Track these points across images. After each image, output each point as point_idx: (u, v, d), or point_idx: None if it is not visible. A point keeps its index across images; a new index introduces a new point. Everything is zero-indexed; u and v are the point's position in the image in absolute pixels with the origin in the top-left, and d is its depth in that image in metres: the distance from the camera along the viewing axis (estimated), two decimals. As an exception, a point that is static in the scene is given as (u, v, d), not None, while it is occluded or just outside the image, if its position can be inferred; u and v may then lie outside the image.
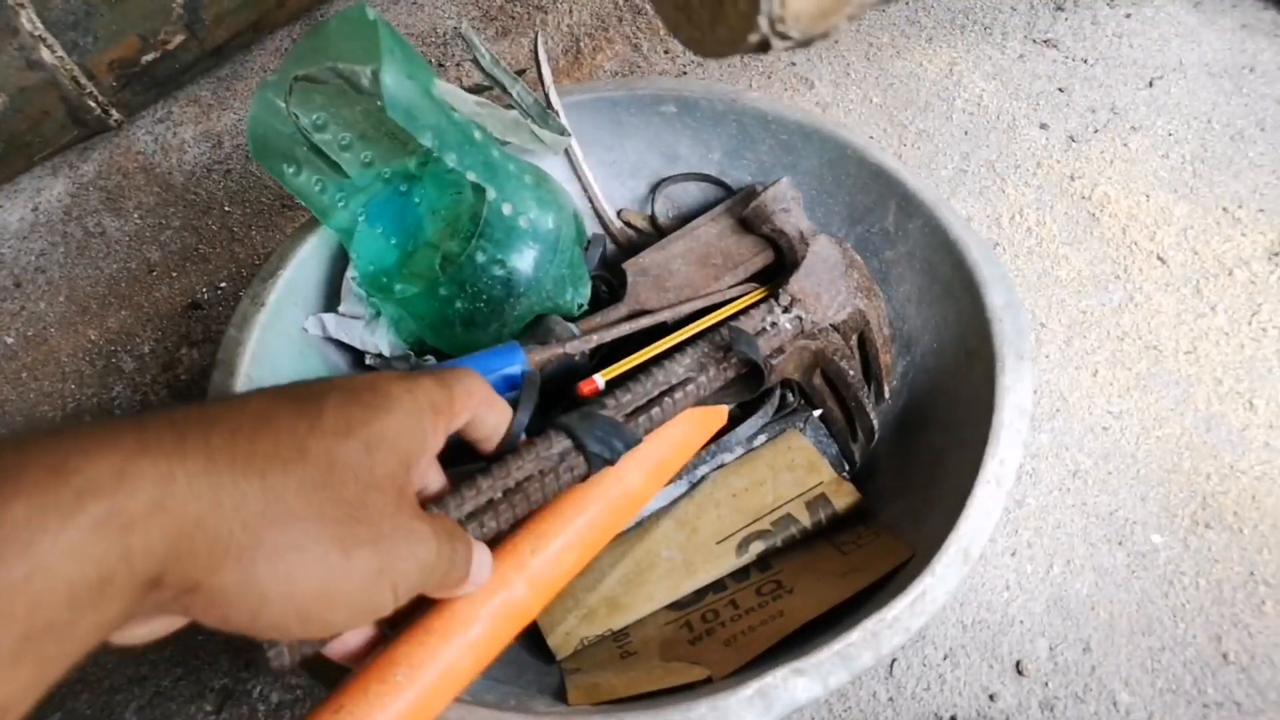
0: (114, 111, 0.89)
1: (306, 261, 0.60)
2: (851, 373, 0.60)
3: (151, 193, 0.90)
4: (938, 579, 0.45)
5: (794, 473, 0.59)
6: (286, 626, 0.30)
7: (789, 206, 0.63)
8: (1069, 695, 0.59)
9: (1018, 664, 0.60)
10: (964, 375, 0.56)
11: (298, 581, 0.29)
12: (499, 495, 0.42)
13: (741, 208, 0.65)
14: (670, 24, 0.35)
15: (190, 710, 0.61)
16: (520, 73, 0.64)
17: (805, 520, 0.57)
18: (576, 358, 0.58)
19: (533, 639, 0.55)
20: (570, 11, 1.01)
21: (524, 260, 0.57)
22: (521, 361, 0.54)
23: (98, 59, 0.85)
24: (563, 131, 0.64)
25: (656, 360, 0.51)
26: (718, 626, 0.53)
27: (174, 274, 0.84)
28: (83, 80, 0.85)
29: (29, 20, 0.82)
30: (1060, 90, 0.90)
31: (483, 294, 0.57)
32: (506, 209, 0.56)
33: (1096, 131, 0.87)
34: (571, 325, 0.59)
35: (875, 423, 0.60)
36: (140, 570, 0.26)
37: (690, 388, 0.50)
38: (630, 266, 0.63)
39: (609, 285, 0.66)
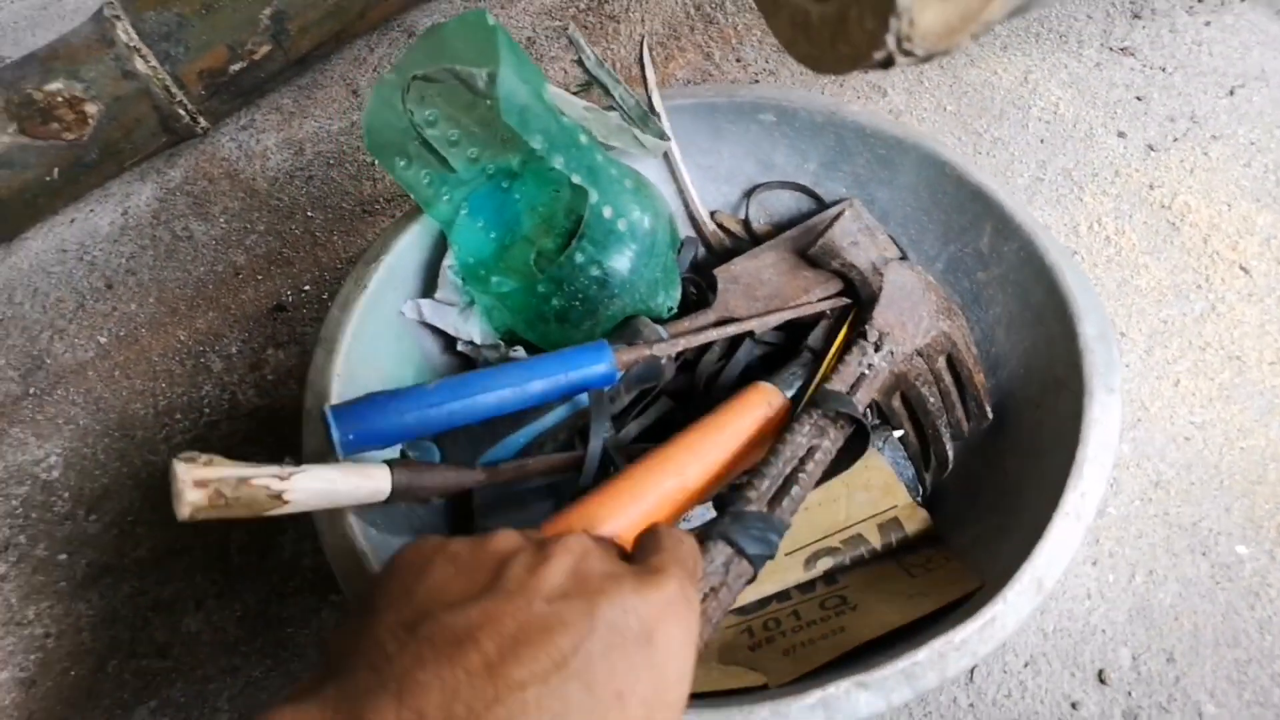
0: (201, 119, 0.92)
1: (407, 249, 0.62)
2: (931, 399, 0.60)
3: (236, 198, 0.92)
4: (1009, 606, 0.45)
5: (869, 493, 0.59)
6: None
7: (857, 239, 0.63)
8: (1153, 705, 0.59)
9: (1100, 673, 0.60)
10: (1050, 405, 0.56)
11: None
12: None
13: (801, 241, 0.65)
14: (785, 40, 0.36)
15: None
16: (619, 77, 0.66)
17: (875, 541, 0.57)
18: (663, 360, 0.59)
19: None
20: (643, 20, 1.03)
21: (620, 262, 0.59)
22: (609, 361, 0.56)
23: (188, 69, 0.87)
24: (662, 135, 0.65)
25: (780, 436, 0.51)
26: (778, 635, 0.53)
27: (259, 277, 0.86)
28: (174, 89, 0.87)
29: (125, 32, 0.85)
30: (1138, 99, 0.89)
31: (579, 293, 0.59)
32: (607, 212, 0.58)
33: (1176, 140, 0.86)
34: (660, 328, 0.60)
35: (950, 453, 0.60)
36: None
37: (819, 455, 0.50)
38: (722, 273, 0.64)
39: (699, 289, 0.66)
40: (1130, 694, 0.59)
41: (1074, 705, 0.59)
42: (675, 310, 0.64)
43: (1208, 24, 0.95)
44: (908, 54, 0.30)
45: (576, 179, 0.57)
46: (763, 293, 0.63)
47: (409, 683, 0.25)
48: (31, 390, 0.81)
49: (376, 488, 0.48)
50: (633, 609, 0.29)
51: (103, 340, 0.84)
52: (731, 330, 0.60)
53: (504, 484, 0.55)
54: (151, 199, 0.93)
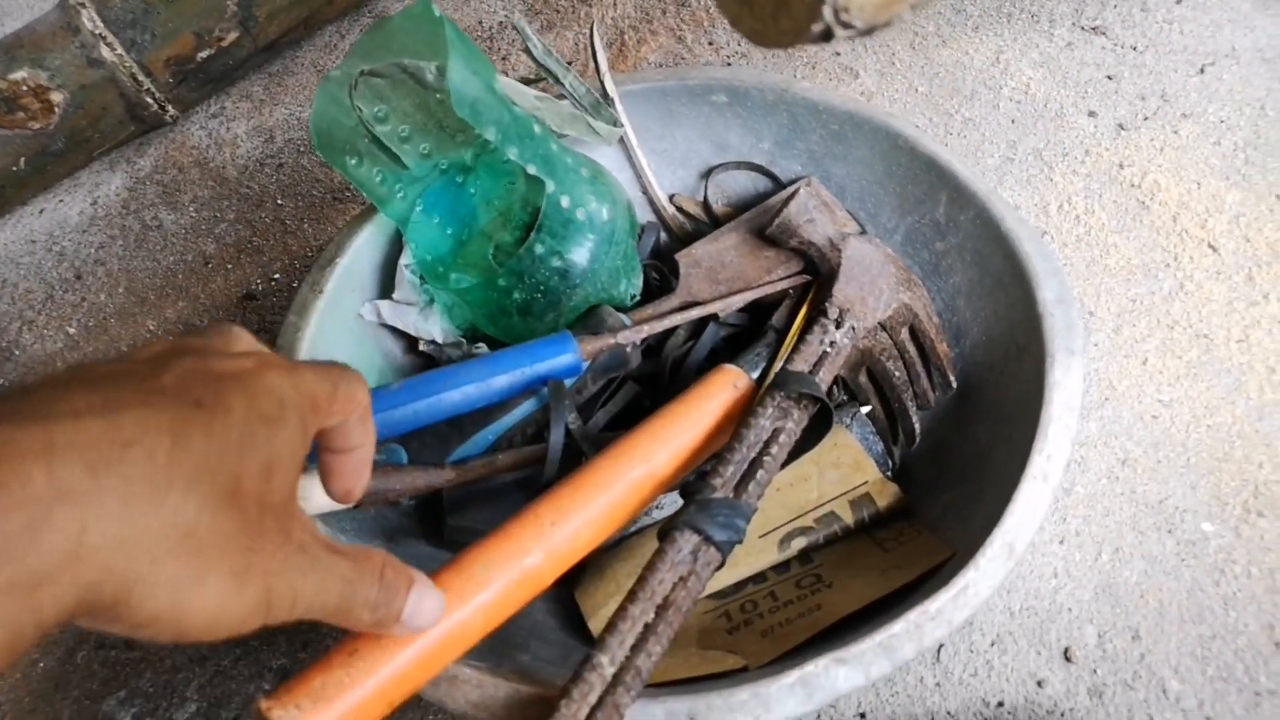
0: (170, 107, 0.91)
1: (363, 250, 0.61)
2: (897, 373, 0.60)
3: (206, 187, 0.92)
4: (981, 573, 0.45)
5: (839, 470, 0.59)
6: (162, 638, 0.30)
7: (814, 216, 0.62)
8: (1118, 682, 0.59)
9: (1066, 651, 0.60)
10: (1013, 370, 0.56)
11: (191, 610, 0.29)
12: (652, 617, 0.43)
13: (758, 222, 0.64)
14: (731, 15, 0.36)
15: (249, 689, 0.63)
16: (568, 64, 0.65)
17: (848, 518, 0.57)
18: (628, 349, 0.59)
19: (576, 622, 0.56)
20: (615, 4, 1.02)
21: (580, 252, 0.59)
22: (574, 351, 0.55)
23: (155, 56, 0.87)
24: (615, 122, 0.65)
25: (743, 421, 0.51)
26: (755, 618, 0.54)
27: (229, 266, 0.86)
28: (140, 77, 0.87)
29: (90, 19, 0.84)
30: (1109, 78, 0.89)
31: (540, 285, 0.58)
32: (565, 202, 0.57)
33: (1146, 119, 0.86)
34: (624, 316, 0.59)
35: (917, 426, 0.60)
36: (49, 618, 0.26)
37: (783, 438, 0.50)
38: (683, 258, 0.64)
39: (661, 275, 0.66)
40: (1095, 671, 0.59)
41: (1040, 683, 0.59)
42: (638, 298, 0.64)
43: (1179, 2, 0.95)
44: (846, 25, 0.30)
45: (532, 170, 0.56)
46: (725, 275, 0.62)
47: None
48: (1, 381, 0.80)
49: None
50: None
51: (71, 331, 0.83)
52: (695, 314, 0.60)
53: (474, 481, 0.55)
54: (121, 188, 0.93)
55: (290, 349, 0.56)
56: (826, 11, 0.29)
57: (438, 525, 0.60)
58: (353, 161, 0.58)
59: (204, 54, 0.89)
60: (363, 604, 0.34)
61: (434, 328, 0.62)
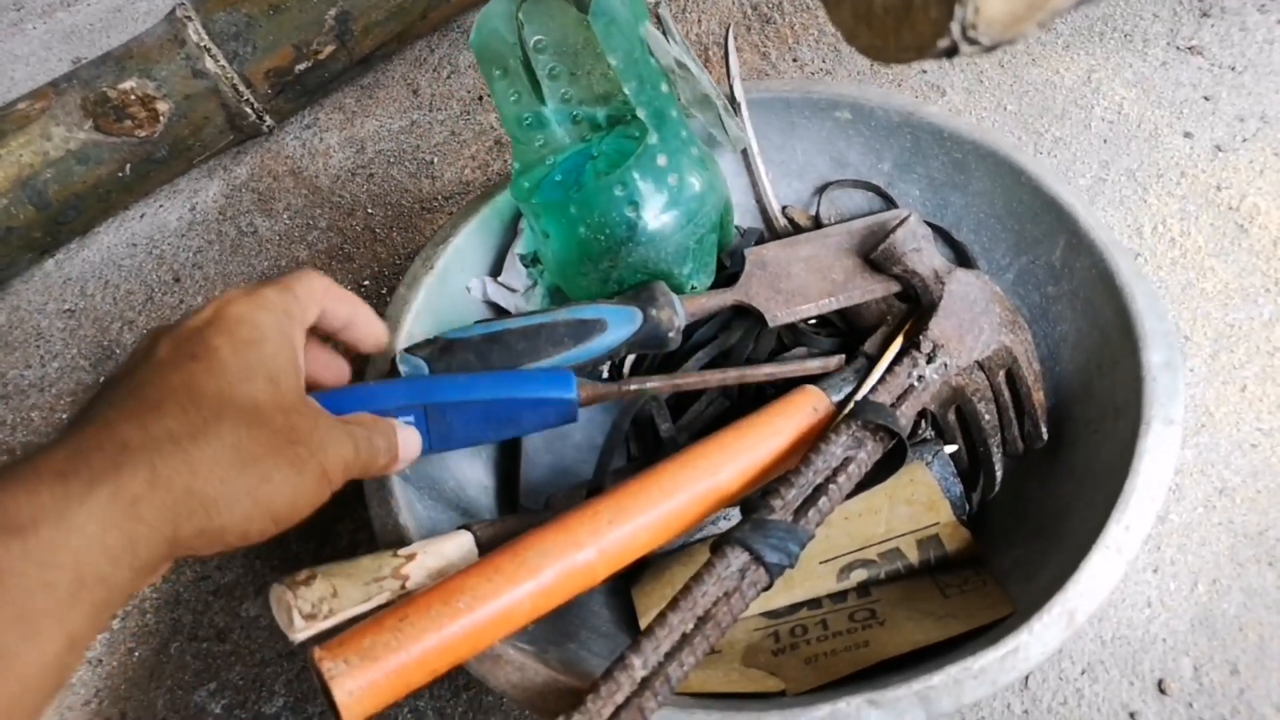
0: (267, 118, 0.94)
1: (475, 232, 0.64)
2: (987, 416, 0.58)
3: (299, 195, 0.94)
4: (1035, 638, 0.44)
5: (911, 507, 0.58)
6: (266, 531, 0.38)
7: (920, 245, 0.61)
8: (1215, 717, 0.57)
9: (1160, 683, 0.59)
10: (1107, 430, 0.54)
11: (272, 502, 0.37)
12: (691, 628, 0.43)
13: (862, 243, 0.64)
14: (847, 31, 0.36)
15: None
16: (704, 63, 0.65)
17: (913, 557, 0.56)
18: (670, 333, 0.57)
19: (630, 619, 0.57)
20: (699, 21, 1.03)
21: (654, 213, 0.58)
22: (572, 390, 0.53)
23: (255, 68, 0.89)
24: (741, 131, 0.65)
25: (814, 445, 0.50)
26: (803, 643, 0.53)
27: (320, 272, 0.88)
28: (241, 88, 0.90)
29: (195, 32, 0.87)
30: (1206, 98, 0.88)
31: (605, 227, 0.58)
32: (661, 160, 0.57)
33: (1245, 140, 0.84)
34: (676, 299, 0.58)
35: (999, 473, 0.59)
36: (159, 529, 0.34)
37: (852, 468, 0.49)
38: (751, 255, 0.63)
39: (735, 275, 0.65)
40: (1191, 705, 0.58)
41: (1132, 715, 0.58)
42: (699, 289, 0.63)
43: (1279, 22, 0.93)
44: (973, 43, 0.30)
45: (642, 113, 0.56)
46: (787, 285, 0.61)
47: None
48: (102, 379, 0.83)
49: (467, 553, 0.49)
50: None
51: (170, 332, 0.86)
52: (717, 382, 0.57)
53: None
54: (218, 195, 0.96)
55: (397, 318, 0.59)
56: (954, 28, 0.29)
57: (512, 506, 0.62)
58: (498, 73, 0.60)
59: (301, 66, 0.92)
60: (379, 451, 0.44)
61: (534, 309, 0.64)
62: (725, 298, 0.61)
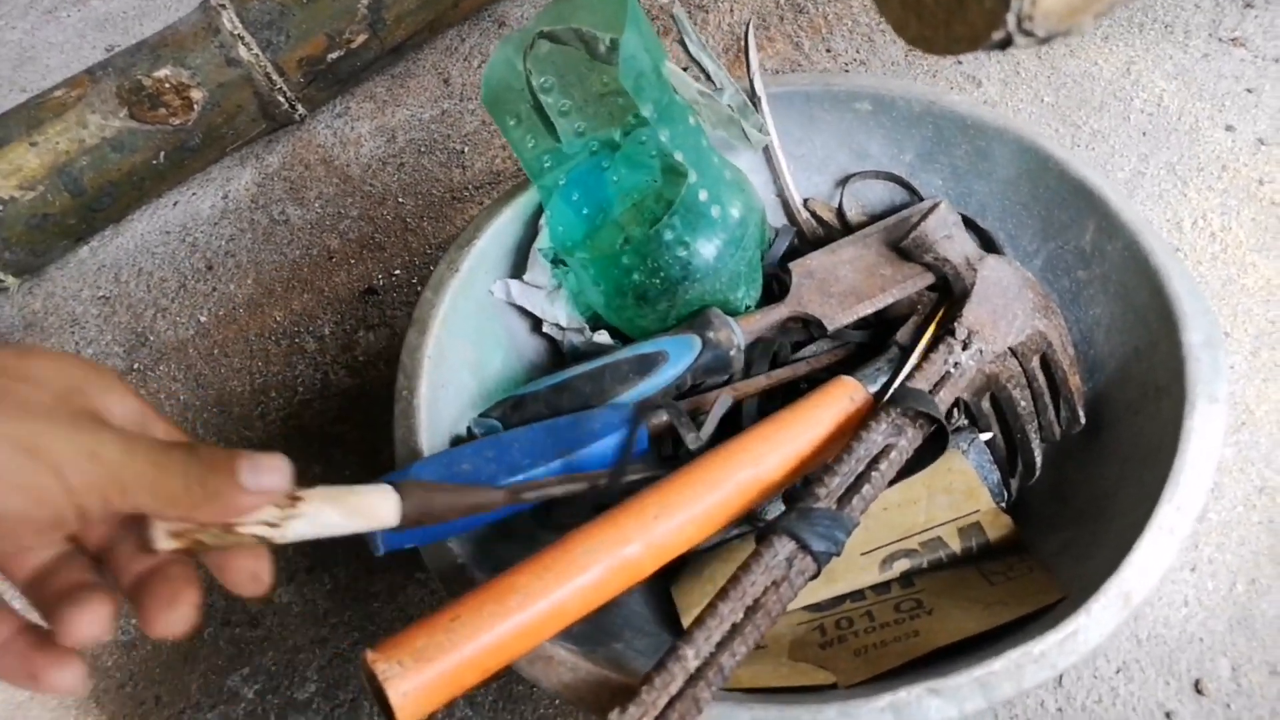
0: (299, 106, 0.94)
1: (499, 233, 0.63)
2: (1022, 403, 0.58)
3: (331, 184, 0.95)
4: (1093, 620, 0.43)
5: (950, 496, 0.57)
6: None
7: (951, 232, 0.61)
8: (1254, 719, 0.57)
9: (1196, 683, 0.58)
10: (1150, 412, 0.54)
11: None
12: (740, 617, 0.43)
13: (894, 234, 0.63)
14: (896, 21, 0.35)
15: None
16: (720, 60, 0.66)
17: (955, 546, 0.56)
18: (731, 353, 0.58)
19: (671, 618, 0.56)
20: (731, 10, 1.02)
21: (707, 247, 0.59)
22: (624, 426, 0.54)
23: (288, 56, 0.90)
24: (761, 129, 0.65)
25: (855, 434, 0.50)
26: (850, 635, 0.52)
27: (351, 261, 0.88)
28: (274, 76, 0.90)
29: (229, 20, 0.87)
30: (1248, 91, 0.86)
31: (660, 271, 0.59)
32: (703, 195, 0.58)
33: (1288, 134, 0.82)
34: (732, 321, 0.59)
35: (1038, 459, 0.58)
36: None
37: (894, 455, 0.49)
38: (797, 267, 0.63)
39: (779, 283, 0.66)
40: (1229, 706, 0.57)
41: (1168, 715, 0.57)
42: (752, 306, 0.63)
43: (1325, 13, 0.91)
44: (1028, 34, 0.29)
45: (679, 156, 0.57)
46: (837, 289, 0.61)
47: None
48: (135, 366, 0.84)
49: (384, 519, 0.42)
50: None
51: (203, 319, 0.86)
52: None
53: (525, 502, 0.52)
54: (250, 183, 0.96)
55: (424, 323, 0.58)
56: (1010, 19, 0.29)
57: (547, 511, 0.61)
58: (512, 122, 0.60)
59: (334, 55, 0.92)
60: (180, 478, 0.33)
61: (559, 311, 0.64)
62: (780, 311, 0.61)
